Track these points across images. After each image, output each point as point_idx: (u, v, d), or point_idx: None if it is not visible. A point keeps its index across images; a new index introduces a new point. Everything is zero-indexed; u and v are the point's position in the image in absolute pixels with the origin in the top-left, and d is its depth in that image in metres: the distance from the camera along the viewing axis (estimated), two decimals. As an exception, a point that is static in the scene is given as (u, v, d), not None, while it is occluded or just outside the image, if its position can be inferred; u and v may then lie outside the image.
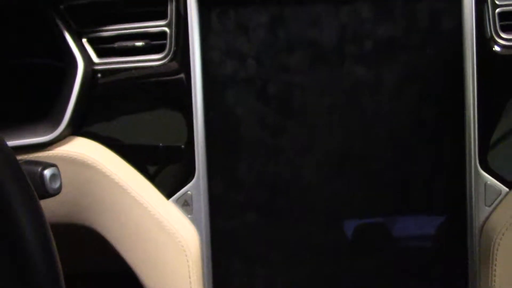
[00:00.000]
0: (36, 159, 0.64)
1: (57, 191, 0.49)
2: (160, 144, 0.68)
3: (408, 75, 0.66)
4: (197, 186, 0.67)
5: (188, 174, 0.68)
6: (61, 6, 0.68)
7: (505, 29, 0.65)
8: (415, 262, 0.69)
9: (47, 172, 0.48)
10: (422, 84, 0.66)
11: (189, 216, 0.68)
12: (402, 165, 0.67)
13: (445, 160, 0.67)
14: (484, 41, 0.65)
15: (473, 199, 0.66)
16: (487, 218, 0.66)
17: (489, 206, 0.66)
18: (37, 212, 0.39)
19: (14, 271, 0.38)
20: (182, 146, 0.68)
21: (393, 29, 0.66)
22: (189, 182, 0.68)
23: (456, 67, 0.65)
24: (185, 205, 0.68)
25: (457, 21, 0.65)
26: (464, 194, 0.66)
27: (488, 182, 0.66)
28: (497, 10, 0.65)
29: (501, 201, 0.66)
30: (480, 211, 0.66)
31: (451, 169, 0.67)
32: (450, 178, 0.67)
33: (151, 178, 0.68)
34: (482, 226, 0.66)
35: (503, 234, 0.63)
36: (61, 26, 0.67)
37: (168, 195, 0.68)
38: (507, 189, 0.66)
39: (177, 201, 0.68)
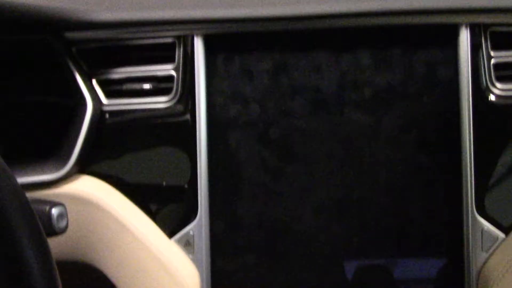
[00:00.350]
0: (43, 196, 0.66)
1: (63, 230, 0.50)
2: (164, 184, 0.70)
3: (406, 122, 0.68)
4: (199, 226, 0.69)
5: (190, 214, 0.69)
6: (73, 49, 0.70)
7: (500, 79, 0.67)
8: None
9: (55, 211, 0.49)
10: (419, 131, 0.68)
11: (190, 256, 0.69)
12: (400, 210, 0.69)
13: (442, 205, 0.68)
14: (480, 90, 0.67)
15: (470, 245, 0.67)
16: (484, 263, 0.67)
17: (486, 251, 0.67)
18: (45, 251, 0.40)
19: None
20: (186, 186, 0.69)
21: (392, 77, 0.68)
22: (191, 222, 0.69)
23: (452, 115, 0.67)
24: (187, 245, 0.69)
25: (454, 71, 0.67)
26: (461, 240, 0.67)
27: (485, 228, 0.67)
28: (492, 61, 0.67)
29: (498, 246, 0.67)
30: (477, 257, 0.67)
31: (448, 215, 0.68)
32: (447, 224, 0.68)
33: (154, 217, 0.70)
34: (479, 272, 0.67)
35: (500, 280, 0.64)
36: (73, 68, 0.70)
37: (170, 234, 0.69)
38: (503, 235, 0.67)
39: (179, 241, 0.69)
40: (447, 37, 0.68)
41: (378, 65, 0.68)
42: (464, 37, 0.67)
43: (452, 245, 0.68)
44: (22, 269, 0.38)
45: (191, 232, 0.69)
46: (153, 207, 0.70)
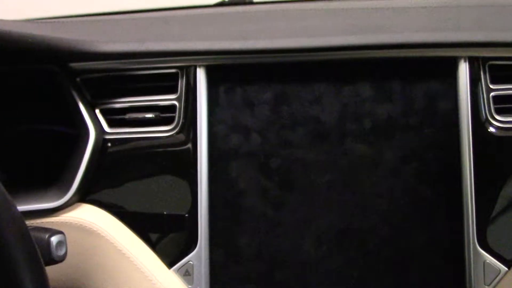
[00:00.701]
0: (43, 224, 0.66)
1: (62, 258, 0.50)
2: (164, 213, 0.70)
3: (406, 154, 0.68)
4: (198, 256, 0.68)
5: (190, 244, 0.69)
6: (78, 79, 0.71)
7: (499, 112, 0.68)
8: None
9: (54, 239, 0.49)
10: (420, 163, 0.68)
11: (189, 286, 0.68)
12: (400, 242, 0.68)
13: (443, 238, 0.68)
14: (479, 123, 0.67)
15: (472, 278, 0.66)
16: None
17: (488, 285, 0.66)
18: (42, 279, 0.40)
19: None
20: (186, 216, 0.69)
21: (392, 109, 0.69)
22: (191, 252, 0.68)
23: (453, 147, 0.68)
24: (186, 275, 0.68)
25: (453, 103, 0.68)
26: (463, 273, 0.67)
27: (487, 261, 0.66)
28: (492, 94, 0.68)
29: (500, 280, 0.66)
30: None
31: (450, 247, 0.68)
32: (448, 256, 0.68)
33: (154, 246, 0.69)
34: (482, 306, 0.66)
35: (503, 314, 0.63)
36: (76, 97, 0.71)
37: (170, 264, 0.69)
38: (506, 268, 0.66)
39: (178, 271, 0.68)
40: (447, 70, 0.68)
41: (379, 97, 0.69)
42: (463, 70, 0.68)
43: (453, 278, 0.67)
44: (18, 297, 0.38)
45: (190, 262, 0.68)
46: (153, 236, 0.70)
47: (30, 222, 0.65)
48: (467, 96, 0.67)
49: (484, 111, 0.68)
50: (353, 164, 0.69)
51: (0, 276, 0.38)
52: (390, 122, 0.69)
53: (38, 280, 0.39)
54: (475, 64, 0.68)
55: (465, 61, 0.68)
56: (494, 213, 0.67)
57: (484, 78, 0.68)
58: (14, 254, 0.38)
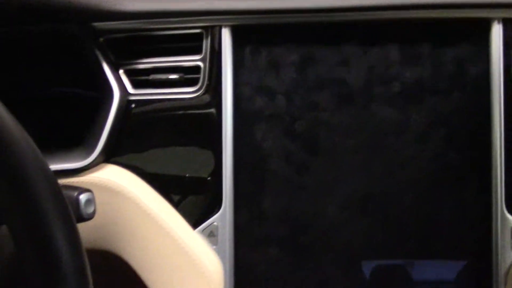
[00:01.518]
0: (70, 184, 0.66)
1: (91, 216, 0.50)
2: (188, 175, 0.70)
3: (434, 118, 0.67)
4: (223, 218, 0.68)
5: (214, 205, 0.69)
6: (101, 39, 0.70)
7: (533, 76, 0.66)
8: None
9: (83, 197, 0.49)
10: (448, 128, 0.67)
11: (214, 247, 0.69)
12: (425, 208, 0.68)
13: (471, 203, 0.67)
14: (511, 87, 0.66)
15: (499, 244, 0.66)
16: None
17: None
18: (75, 235, 0.40)
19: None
20: (210, 177, 0.69)
21: (421, 72, 0.67)
22: (215, 213, 0.69)
23: (483, 112, 0.66)
24: (211, 235, 0.69)
25: (485, 67, 0.66)
26: (490, 239, 0.66)
27: None
28: (526, 56, 0.66)
29: (527, 246, 0.65)
30: (506, 256, 0.66)
31: (477, 213, 0.67)
32: (475, 222, 0.67)
33: (178, 207, 0.70)
34: (507, 272, 0.66)
35: (528, 281, 0.63)
36: (100, 58, 0.70)
37: (194, 225, 0.69)
38: (533, 234, 0.66)
39: (203, 232, 0.69)
40: (479, 32, 0.66)
41: (407, 60, 0.67)
42: (497, 33, 0.66)
43: (480, 244, 0.67)
44: (52, 252, 0.38)
45: (215, 223, 0.69)
46: (178, 198, 0.70)
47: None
48: (500, 60, 0.66)
49: (517, 74, 0.66)
50: (380, 128, 0.68)
51: (33, 233, 0.38)
52: (419, 85, 0.67)
53: (70, 236, 0.39)
54: (509, 27, 0.66)
55: (499, 22, 0.65)
56: (523, 179, 0.66)
57: None
58: (47, 211, 0.38)
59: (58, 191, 0.40)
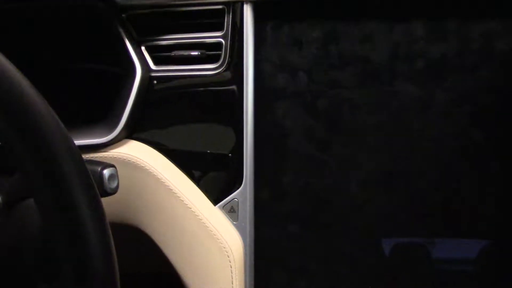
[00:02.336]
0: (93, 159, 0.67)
1: (115, 191, 0.51)
2: (210, 151, 0.70)
3: (459, 96, 0.66)
4: (243, 194, 0.69)
5: (235, 182, 0.69)
6: (123, 15, 0.71)
7: (562, 53, 0.64)
8: (455, 287, 0.68)
9: (106, 172, 0.50)
10: (473, 106, 0.66)
11: (234, 223, 0.69)
12: (447, 186, 0.67)
13: (494, 183, 0.66)
14: (539, 64, 0.64)
15: (522, 223, 0.65)
16: None
17: None
18: (99, 209, 0.41)
19: (75, 264, 0.40)
20: (231, 154, 0.70)
21: (446, 49, 0.66)
22: (236, 190, 0.69)
23: (508, 90, 0.65)
24: (231, 211, 0.69)
25: (512, 44, 0.65)
26: (511, 219, 0.66)
27: None
28: (555, 34, 0.64)
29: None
30: None
31: (499, 192, 0.66)
32: (497, 202, 0.66)
33: (200, 183, 0.70)
34: (530, 252, 0.65)
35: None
36: (123, 34, 0.70)
37: (215, 201, 0.70)
38: (557, 215, 0.65)
39: (223, 208, 0.70)
40: (508, 7, 0.65)
41: (432, 36, 0.66)
42: (526, 8, 0.64)
43: (501, 224, 0.66)
44: (78, 225, 0.39)
45: (236, 199, 0.69)
46: (199, 174, 0.71)
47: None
48: None
49: (545, 52, 0.64)
50: (403, 105, 0.67)
51: (59, 207, 0.39)
52: (444, 62, 0.66)
53: (95, 209, 0.40)
54: None
55: (528, -3, 0.64)
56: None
57: None
58: (72, 185, 0.39)
59: (83, 166, 0.41)
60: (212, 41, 0.69)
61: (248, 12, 0.68)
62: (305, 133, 0.68)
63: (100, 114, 0.73)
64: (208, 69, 0.69)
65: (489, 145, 0.66)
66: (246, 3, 0.68)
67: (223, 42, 0.69)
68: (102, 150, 0.69)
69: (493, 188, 0.66)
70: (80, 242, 0.39)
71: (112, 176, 0.51)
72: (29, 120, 0.38)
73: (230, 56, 0.69)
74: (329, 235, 0.70)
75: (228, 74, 0.69)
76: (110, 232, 0.41)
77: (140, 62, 0.70)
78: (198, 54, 0.70)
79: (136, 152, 0.69)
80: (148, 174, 0.68)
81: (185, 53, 0.70)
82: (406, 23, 0.66)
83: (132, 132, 0.71)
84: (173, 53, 0.70)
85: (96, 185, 0.44)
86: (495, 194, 0.66)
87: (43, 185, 0.38)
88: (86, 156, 0.68)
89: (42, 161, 0.38)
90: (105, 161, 0.67)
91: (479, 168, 0.67)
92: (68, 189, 0.38)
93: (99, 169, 0.50)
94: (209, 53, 0.70)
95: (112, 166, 0.51)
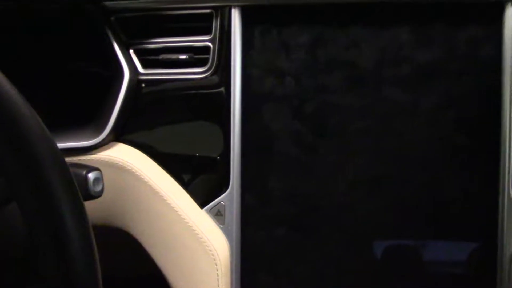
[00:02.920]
0: (80, 162, 0.67)
1: (99, 194, 0.51)
2: (197, 154, 0.71)
3: (444, 101, 0.67)
4: (230, 197, 0.69)
5: (222, 185, 0.69)
6: (112, 18, 0.71)
7: (545, 59, 0.65)
8: (443, 288, 0.69)
9: (91, 175, 0.50)
10: (458, 111, 0.67)
11: (221, 226, 0.70)
12: (434, 190, 0.68)
13: (478, 187, 0.67)
14: (523, 70, 0.65)
15: (505, 228, 0.66)
16: None
17: None
18: (82, 213, 0.41)
19: (57, 268, 0.40)
20: (218, 157, 0.70)
21: (432, 55, 0.67)
22: (223, 193, 0.69)
23: (493, 95, 0.66)
24: (218, 215, 0.70)
25: (497, 50, 0.65)
26: (496, 222, 0.66)
27: None
28: (539, 40, 0.65)
29: (533, 230, 0.65)
30: (511, 240, 0.66)
31: (484, 197, 0.67)
32: (482, 205, 0.67)
33: (187, 186, 0.71)
34: (513, 256, 0.66)
35: (534, 265, 0.63)
36: (111, 37, 0.71)
37: (202, 204, 0.70)
38: (540, 219, 0.65)
39: (210, 211, 0.70)
40: (492, 15, 0.65)
41: (418, 42, 0.67)
42: (510, 15, 0.64)
43: (486, 228, 0.67)
44: (59, 229, 0.39)
45: (222, 203, 0.69)
46: (186, 177, 0.71)
47: (67, 160, 0.67)
48: None
49: (529, 58, 0.65)
50: (390, 110, 0.67)
51: (41, 210, 0.39)
52: (429, 68, 0.67)
53: (78, 213, 0.40)
54: None
55: (512, 5, 0.64)
56: (531, 165, 0.66)
57: None
58: (54, 188, 0.39)
59: (66, 169, 0.41)
60: (200, 45, 0.70)
61: (236, 17, 0.68)
62: (292, 137, 0.69)
63: (88, 117, 0.73)
64: (196, 72, 0.70)
65: (474, 149, 0.67)
66: (234, 7, 0.68)
67: (211, 46, 0.69)
68: (90, 153, 0.69)
69: (479, 191, 0.67)
70: (62, 247, 0.39)
71: (97, 180, 0.51)
72: (10, 122, 0.37)
73: (218, 60, 0.69)
74: (316, 238, 0.70)
75: (215, 78, 0.69)
76: (93, 236, 0.41)
77: (128, 65, 0.70)
78: (186, 57, 0.70)
79: (124, 155, 0.69)
80: (135, 177, 0.68)
81: (173, 56, 0.70)
82: (392, 29, 0.67)
83: (119, 135, 0.71)
84: (161, 57, 0.71)
85: (80, 189, 0.44)
86: (480, 197, 0.67)
87: (24, 189, 0.38)
88: (73, 159, 0.68)
89: (22, 165, 0.38)
90: (92, 164, 0.67)
91: (464, 172, 0.67)
92: (50, 193, 0.38)
93: (84, 172, 0.50)
94: (197, 56, 0.70)
95: (97, 169, 0.51)
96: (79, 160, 0.68)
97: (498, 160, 0.66)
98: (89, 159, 0.68)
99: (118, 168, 0.68)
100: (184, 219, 0.68)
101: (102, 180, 0.52)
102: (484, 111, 0.66)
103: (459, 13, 0.66)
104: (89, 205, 0.50)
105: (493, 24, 0.66)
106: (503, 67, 0.65)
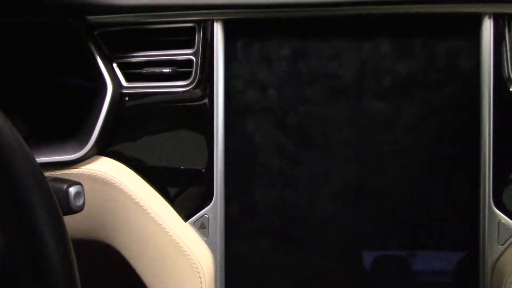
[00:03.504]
0: (62, 176, 0.67)
1: (80, 208, 0.51)
2: (181, 167, 0.71)
3: (425, 112, 0.67)
4: (214, 210, 0.69)
5: (206, 198, 0.70)
6: (95, 32, 0.71)
7: (523, 71, 0.66)
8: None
9: (72, 190, 0.50)
10: (438, 121, 0.67)
11: (205, 239, 0.70)
12: (416, 200, 0.68)
13: (459, 197, 0.68)
14: (501, 81, 0.66)
15: (486, 237, 0.66)
16: (500, 256, 0.66)
17: (502, 244, 0.66)
18: (61, 228, 0.41)
19: (35, 285, 0.40)
20: (202, 170, 0.70)
21: (412, 66, 0.67)
22: (207, 206, 0.69)
23: (473, 106, 0.67)
24: (202, 227, 0.70)
25: (475, 61, 0.67)
26: (477, 232, 0.67)
27: (502, 221, 0.66)
28: (516, 52, 0.66)
29: (514, 240, 0.66)
30: (493, 250, 0.66)
31: (465, 207, 0.68)
32: (464, 216, 0.68)
33: (171, 199, 0.71)
34: (495, 264, 0.66)
35: (515, 274, 0.63)
36: (94, 51, 0.71)
37: (186, 217, 0.70)
38: (520, 229, 0.66)
39: (194, 224, 0.70)
40: (470, 27, 0.67)
41: (398, 54, 0.68)
42: (487, 28, 0.66)
43: (468, 237, 0.68)
44: (38, 244, 0.39)
45: (206, 215, 0.70)
46: (170, 190, 0.71)
47: (50, 174, 0.67)
48: (490, 54, 0.66)
49: (507, 70, 0.66)
50: (371, 121, 0.68)
51: (20, 225, 0.39)
52: (410, 79, 0.68)
53: (57, 229, 0.40)
54: (500, 21, 0.66)
55: (489, 18, 0.66)
56: (511, 173, 0.67)
57: (509, 36, 0.66)
58: (33, 204, 0.39)
59: (45, 184, 0.41)
60: (183, 58, 0.70)
61: (218, 30, 0.69)
62: (275, 149, 0.69)
63: (71, 131, 0.73)
64: (179, 85, 0.70)
65: (455, 159, 0.68)
66: (217, 21, 0.69)
67: (194, 59, 0.70)
68: (73, 167, 0.69)
69: (460, 201, 0.68)
70: (40, 261, 0.39)
71: (78, 194, 0.51)
72: None
73: (201, 73, 0.69)
74: (300, 250, 0.70)
75: (198, 91, 0.70)
76: (72, 251, 0.41)
77: (112, 78, 0.70)
78: (169, 71, 0.70)
79: (107, 168, 0.69)
80: (118, 191, 0.68)
81: (157, 70, 0.71)
82: (373, 41, 0.68)
83: (103, 149, 0.71)
84: (144, 70, 0.71)
85: (61, 203, 0.44)
86: (462, 206, 0.68)
87: (2, 203, 0.38)
88: (56, 173, 0.68)
89: (0, 179, 0.38)
90: (75, 177, 0.67)
91: (446, 182, 0.68)
92: (27, 207, 0.38)
93: (65, 187, 0.50)
94: (180, 70, 0.70)
95: (78, 183, 0.51)
96: (62, 174, 0.68)
97: (478, 171, 0.66)
98: (72, 173, 0.68)
99: (101, 182, 0.68)
100: (168, 232, 0.68)
101: (83, 194, 0.51)
102: (464, 121, 0.67)
103: (438, 25, 0.67)
104: (71, 219, 0.50)
105: (471, 36, 0.67)
106: (482, 78, 0.66)
